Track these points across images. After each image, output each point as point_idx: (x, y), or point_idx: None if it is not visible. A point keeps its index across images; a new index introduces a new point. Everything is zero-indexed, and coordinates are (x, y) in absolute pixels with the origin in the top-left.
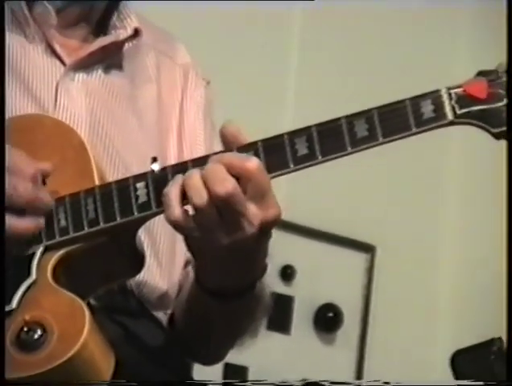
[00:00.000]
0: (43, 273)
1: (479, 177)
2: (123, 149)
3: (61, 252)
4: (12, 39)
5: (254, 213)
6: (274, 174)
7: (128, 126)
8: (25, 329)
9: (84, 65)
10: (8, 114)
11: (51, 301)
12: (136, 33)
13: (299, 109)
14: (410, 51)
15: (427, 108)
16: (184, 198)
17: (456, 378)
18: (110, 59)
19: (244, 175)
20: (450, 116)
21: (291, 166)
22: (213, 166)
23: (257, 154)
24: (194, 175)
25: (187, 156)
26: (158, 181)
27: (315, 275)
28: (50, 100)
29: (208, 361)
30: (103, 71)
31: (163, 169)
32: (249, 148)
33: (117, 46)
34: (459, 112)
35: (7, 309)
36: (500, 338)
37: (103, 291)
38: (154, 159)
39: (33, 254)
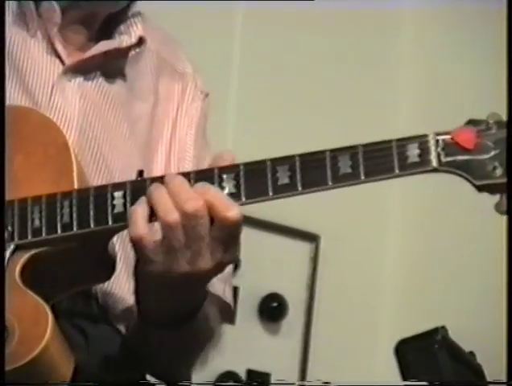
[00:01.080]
0: (10, 273)
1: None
2: (110, 155)
3: (31, 252)
4: (14, 31)
5: (217, 250)
6: (251, 201)
7: (118, 134)
8: None
9: (83, 68)
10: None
11: (16, 302)
12: (140, 41)
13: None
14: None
15: (413, 152)
16: (151, 217)
17: (400, 367)
18: (111, 64)
19: (221, 221)
20: (434, 163)
21: (270, 194)
22: (179, 181)
23: (237, 178)
24: (164, 192)
25: (173, 171)
26: (137, 192)
27: (260, 265)
28: (44, 98)
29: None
30: (102, 75)
31: (143, 180)
32: (231, 170)
33: (120, 52)
34: (444, 160)
35: None
36: (444, 327)
37: (69, 294)
38: (141, 172)
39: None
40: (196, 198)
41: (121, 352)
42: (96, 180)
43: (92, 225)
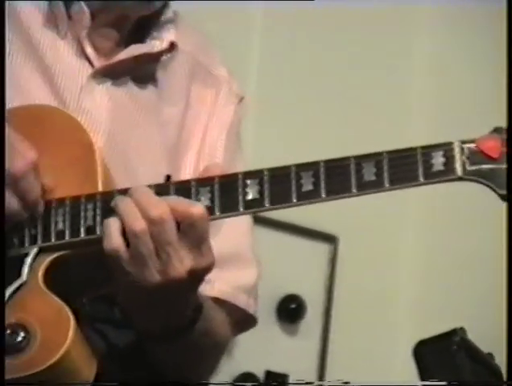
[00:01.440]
0: (34, 275)
1: None
2: (137, 160)
3: (55, 255)
4: (44, 32)
5: (187, 256)
6: (274, 207)
7: (147, 138)
8: (8, 331)
9: (113, 71)
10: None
11: (39, 306)
12: (171, 47)
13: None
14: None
15: (438, 160)
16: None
17: (419, 368)
18: (141, 68)
19: (187, 219)
20: (459, 172)
21: (294, 200)
22: (143, 190)
23: (261, 183)
24: (128, 202)
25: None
26: (160, 196)
27: (278, 266)
28: (73, 101)
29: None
30: (131, 79)
31: (156, 186)
32: (255, 176)
33: (151, 56)
34: (469, 168)
35: None
36: (462, 328)
37: (92, 297)
38: (168, 177)
39: (26, 254)
40: (160, 203)
41: (141, 357)
42: (122, 184)
43: None
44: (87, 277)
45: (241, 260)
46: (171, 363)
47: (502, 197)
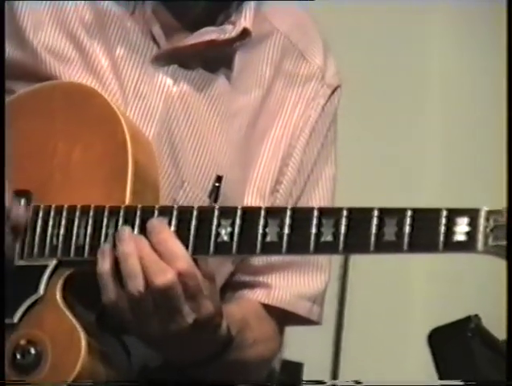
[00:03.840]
0: (51, 290)
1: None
2: (192, 151)
3: (74, 269)
4: (114, 6)
5: (188, 312)
6: (293, 254)
7: (207, 128)
8: (20, 350)
9: (180, 55)
10: (84, 73)
11: (53, 323)
12: (244, 33)
13: None
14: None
15: (461, 229)
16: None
17: (433, 355)
18: (214, 52)
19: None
20: (480, 246)
21: (311, 250)
22: (152, 254)
23: (281, 225)
24: (133, 259)
25: (274, 176)
26: (183, 217)
27: None
28: (130, 83)
29: None
30: (201, 64)
31: (184, 208)
32: (277, 215)
33: (222, 42)
34: (491, 243)
35: (8, 322)
36: (477, 316)
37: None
38: (219, 178)
39: (44, 267)
40: (166, 271)
41: (161, 371)
42: (171, 177)
43: None
44: None
45: (310, 265)
46: (214, 375)
47: None
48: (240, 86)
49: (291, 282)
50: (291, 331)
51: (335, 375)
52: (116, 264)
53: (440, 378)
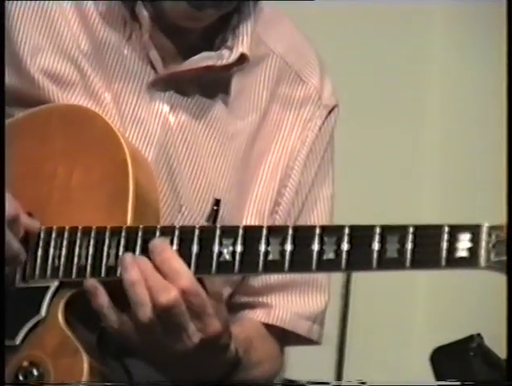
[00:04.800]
0: (53, 311)
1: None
2: (190, 175)
3: (76, 289)
4: (110, 31)
5: (194, 331)
6: (295, 272)
7: (205, 152)
8: (23, 371)
9: (177, 80)
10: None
11: (55, 345)
12: (242, 59)
13: None
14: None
15: (463, 245)
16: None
17: (436, 375)
18: (210, 77)
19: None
20: (483, 262)
21: (313, 268)
22: (155, 273)
23: (283, 243)
24: (140, 288)
25: (272, 197)
26: (184, 236)
27: None
28: (128, 108)
29: None
30: (198, 89)
31: (186, 227)
32: (279, 233)
33: (223, 67)
34: (493, 259)
35: (9, 344)
36: (479, 335)
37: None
38: (217, 202)
39: (46, 288)
40: (169, 289)
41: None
42: (169, 201)
43: None
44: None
45: (309, 285)
46: None
47: None
48: (237, 109)
49: (291, 302)
50: (294, 350)
51: None
52: (113, 293)
53: None
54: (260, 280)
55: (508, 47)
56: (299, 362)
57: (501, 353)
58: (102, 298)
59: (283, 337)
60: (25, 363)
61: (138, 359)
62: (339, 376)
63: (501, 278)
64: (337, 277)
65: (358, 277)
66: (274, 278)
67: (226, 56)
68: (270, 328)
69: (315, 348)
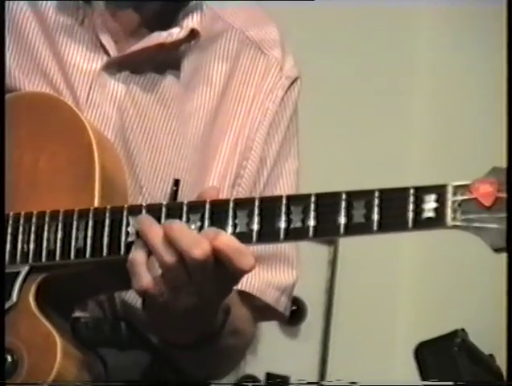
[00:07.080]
0: (24, 296)
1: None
2: (149, 156)
3: (46, 273)
4: (62, 17)
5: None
6: (263, 243)
7: (164, 133)
8: None
9: (129, 62)
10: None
11: (28, 329)
12: (192, 34)
13: None
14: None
15: (429, 206)
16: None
17: (420, 370)
18: (164, 56)
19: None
20: (449, 222)
21: (282, 237)
22: (182, 226)
23: (250, 215)
24: (159, 237)
25: (233, 172)
26: (153, 217)
27: None
28: (83, 93)
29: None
30: (152, 69)
31: (153, 206)
32: (246, 206)
33: (174, 44)
34: (460, 217)
35: None
36: (463, 330)
37: (88, 303)
38: (176, 182)
39: (17, 273)
40: (201, 242)
41: (141, 381)
42: (129, 184)
43: (104, 253)
44: (82, 287)
45: (282, 260)
46: (195, 367)
47: (494, 249)
48: (194, 87)
49: (261, 273)
50: (277, 344)
51: None
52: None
53: None
54: None
55: (508, 47)
56: (282, 356)
57: (484, 348)
58: (141, 256)
59: (252, 307)
60: None
61: (111, 349)
62: (322, 371)
63: (490, 275)
64: (321, 274)
65: (343, 271)
66: None
67: (176, 33)
68: (241, 296)
69: (298, 341)
